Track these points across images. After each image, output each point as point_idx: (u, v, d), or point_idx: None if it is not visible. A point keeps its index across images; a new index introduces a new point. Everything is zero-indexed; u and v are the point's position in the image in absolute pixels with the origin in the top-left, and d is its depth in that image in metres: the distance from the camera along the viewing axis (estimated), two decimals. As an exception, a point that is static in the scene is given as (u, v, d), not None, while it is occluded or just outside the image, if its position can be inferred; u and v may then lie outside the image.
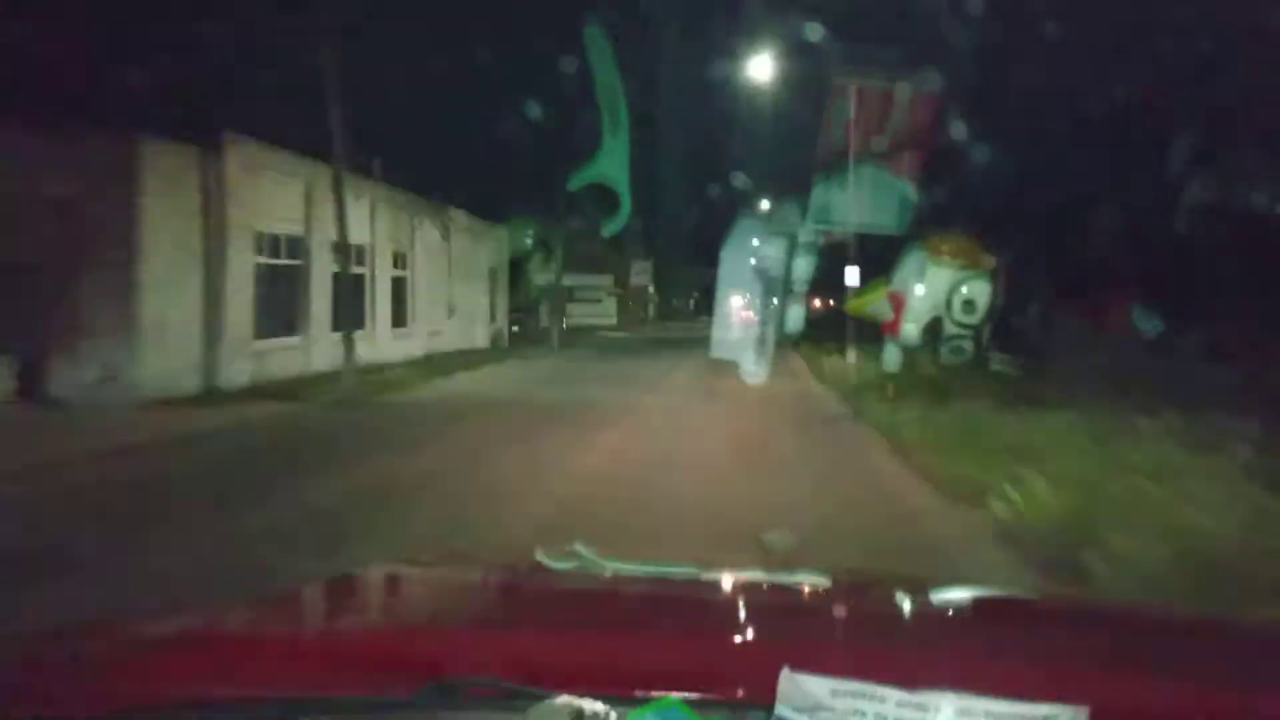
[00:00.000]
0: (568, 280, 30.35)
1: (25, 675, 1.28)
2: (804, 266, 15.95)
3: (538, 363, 19.38)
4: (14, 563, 4.57)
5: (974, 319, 15.09)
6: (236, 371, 12.36)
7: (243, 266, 12.67)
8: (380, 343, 16.45)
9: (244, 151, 12.62)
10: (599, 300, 43.97)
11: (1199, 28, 15.52)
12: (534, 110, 20.86)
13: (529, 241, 29.02)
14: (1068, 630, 1.85)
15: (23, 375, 10.57)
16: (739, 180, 23.28)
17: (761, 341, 14.98)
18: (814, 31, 15.69)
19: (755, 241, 15.37)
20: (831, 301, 22.44)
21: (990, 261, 15.25)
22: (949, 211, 16.15)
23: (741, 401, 12.59)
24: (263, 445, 9.25)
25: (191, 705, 1.17)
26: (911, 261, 15.04)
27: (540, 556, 2.08)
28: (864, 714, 1.07)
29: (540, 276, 29.04)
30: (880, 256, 16.27)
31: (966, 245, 15.01)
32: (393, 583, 2.06)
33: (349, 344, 12.67)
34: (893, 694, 1.07)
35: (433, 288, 19.76)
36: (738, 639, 1.60)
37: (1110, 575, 4.42)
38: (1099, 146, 16.86)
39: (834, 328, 18.37)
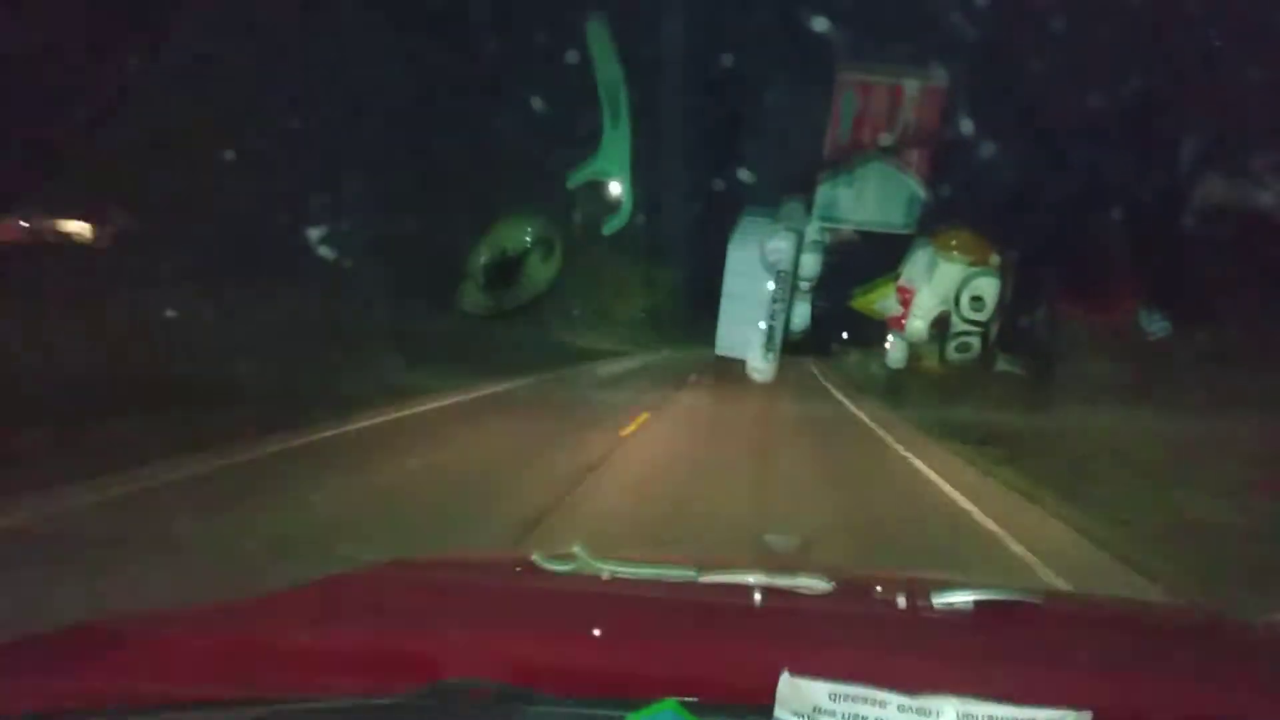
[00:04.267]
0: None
1: (25, 674, 1.29)
2: (810, 264, 15.77)
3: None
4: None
5: (982, 316, 14.99)
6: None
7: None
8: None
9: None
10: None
11: (1210, 23, 15.46)
12: (533, 104, 20.71)
13: (527, 239, 28.68)
14: (1071, 633, 1.87)
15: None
16: (744, 176, 23.17)
17: (769, 338, 14.83)
18: (820, 24, 15.53)
19: (761, 238, 15.21)
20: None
21: (998, 258, 15.14)
22: (957, 207, 16.04)
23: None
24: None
25: (186, 705, 1.18)
26: (920, 256, 14.95)
27: (538, 558, 2.12)
28: (864, 718, 1.08)
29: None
30: (887, 256, 16.11)
31: (975, 241, 14.92)
32: (389, 584, 2.07)
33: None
34: (893, 698, 1.08)
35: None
36: (736, 642, 1.59)
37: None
38: (1107, 143, 16.79)
39: (839, 326, 18.20)
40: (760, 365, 14.09)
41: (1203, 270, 17.11)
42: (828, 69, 16.28)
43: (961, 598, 1.95)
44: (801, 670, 1.11)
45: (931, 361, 14.99)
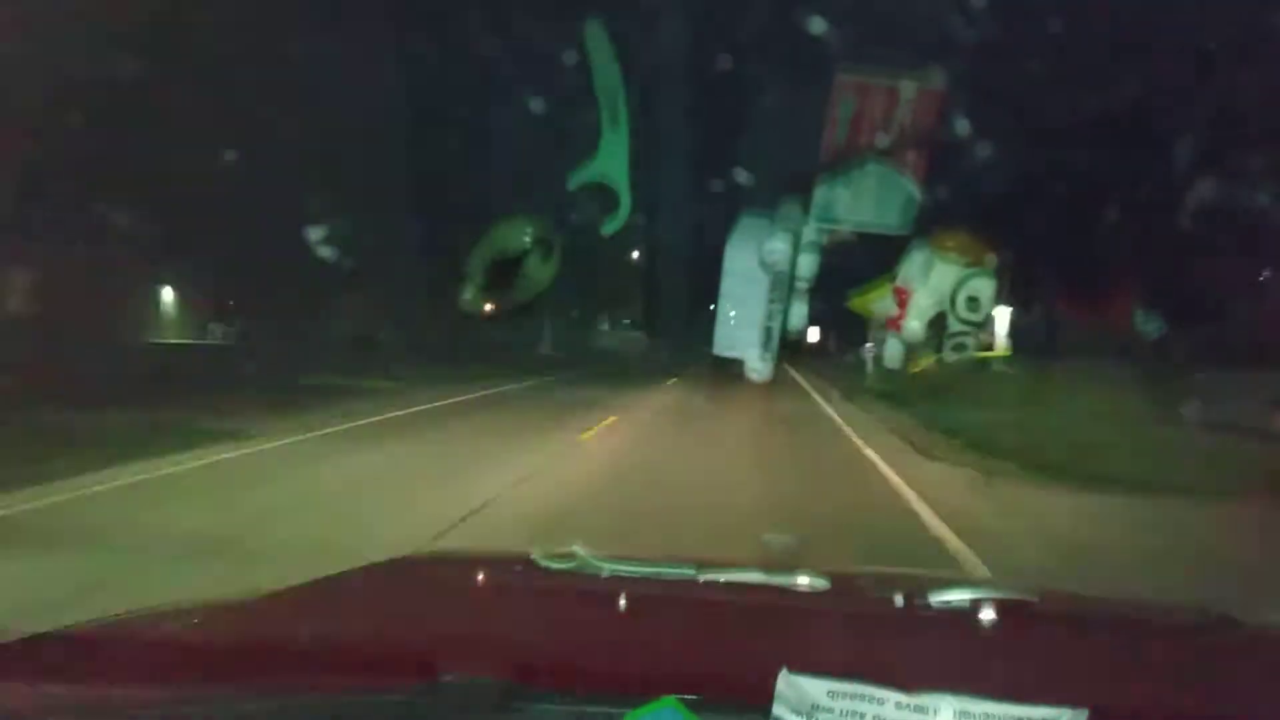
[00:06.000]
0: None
1: (25, 676, 1.26)
2: (807, 265, 15.87)
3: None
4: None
5: (978, 316, 15.08)
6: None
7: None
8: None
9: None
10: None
11: (1206, 26, 15.50)
12: (532, 106, 20.74)
13: (526, 240, 28.56)
14: (1068, 631, 1.85)
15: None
16: (742, 178, 23.27)
17: (766, 339, 14.91)
18: (818, 26, 15.58)
19: (759, 239, 15.30)
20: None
21: (994, 259, 15.23)
22: (953, 209, 16.11)
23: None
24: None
25: (189, 702, 1.16)
26: (917, 257, 15.03)
27: (537, 555, 2.07)
28: (862, 715, 1.06)
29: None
30: (883, 256, 16.21)
31: (971, 242, 15.00)
32: (390, 582, 2.04)
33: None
34: (891, 695, 1.06)
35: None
36: (735, 640, 1.58)
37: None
38: (1104, 146, 16.85)
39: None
40: (758, 365, 14.19)
41: (1199, 271, 17.14)
42: (826, 71, 16.39)
43: (959, 596, 1.94)
44: (800, 667, 1.08)
45: (927, 362, 15.09)
